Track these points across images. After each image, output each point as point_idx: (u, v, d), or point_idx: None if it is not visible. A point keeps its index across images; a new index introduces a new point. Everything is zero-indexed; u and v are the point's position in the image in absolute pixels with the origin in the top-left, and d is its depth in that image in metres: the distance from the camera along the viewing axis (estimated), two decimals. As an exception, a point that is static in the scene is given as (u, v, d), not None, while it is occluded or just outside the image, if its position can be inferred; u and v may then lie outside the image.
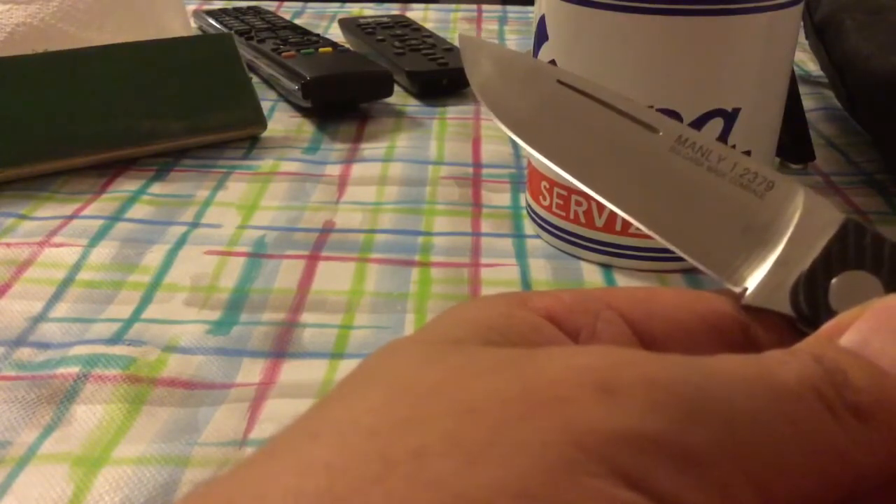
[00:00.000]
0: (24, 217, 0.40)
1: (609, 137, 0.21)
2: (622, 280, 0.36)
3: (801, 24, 0.43)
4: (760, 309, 0.19)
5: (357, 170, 0.46)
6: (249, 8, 0.69)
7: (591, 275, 0.37)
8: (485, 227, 0.40)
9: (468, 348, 0.16)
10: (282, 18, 0.65)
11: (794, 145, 0.46)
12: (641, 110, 0.21)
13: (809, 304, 0.18)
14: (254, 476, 0.13)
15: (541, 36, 0.36)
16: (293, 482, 0.12)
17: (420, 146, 0.49)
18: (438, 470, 0.12)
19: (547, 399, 0.13)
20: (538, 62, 0.23)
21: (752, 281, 0.19)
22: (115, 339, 0.31)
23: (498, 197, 0.43)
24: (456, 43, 0.63)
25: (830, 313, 0.18)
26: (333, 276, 0.36)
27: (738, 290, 0.19)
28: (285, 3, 0.81)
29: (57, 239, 0.38)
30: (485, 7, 0.80)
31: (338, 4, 0.81)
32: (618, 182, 0.21)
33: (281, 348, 0.31)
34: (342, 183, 0.45)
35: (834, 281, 0.18)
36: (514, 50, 0.23)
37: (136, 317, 0.33)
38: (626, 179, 0.21)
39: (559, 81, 0.22)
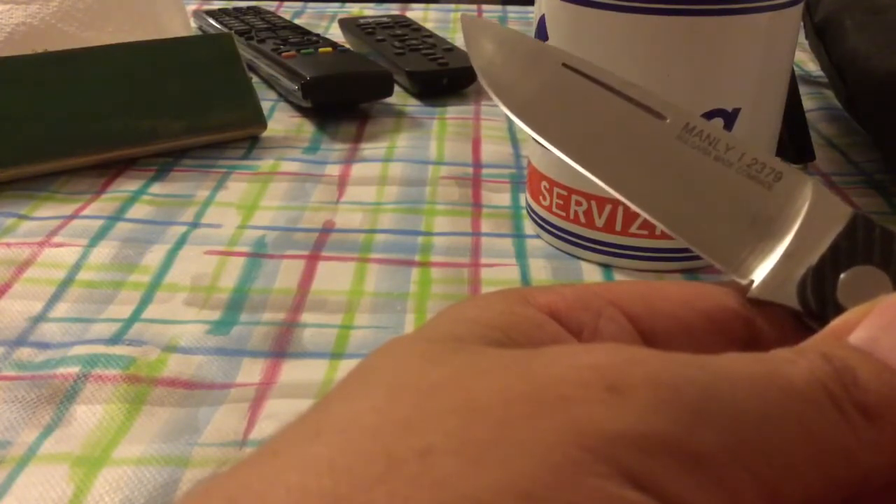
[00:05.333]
0: (24, 217, 0.40)
1: (614, 123, 0.21)
2: (622, 280, 0.36)
3: (801, 24, 0.43)
4: (766, 302, 0.19)
5: (357, 170, 0.46)
6: (249, 8, 0.69)
7: (591, 275, 0.37)
8: (485, 227, 0.40)
9: (471, 347, 0.15)
10: (282, 18, 0.65)
11: (794, 145, 0.46)
12: (648, 96, 0.21)
13: (817, 298, 0.18)
14: (256, 474, 0.13)
15: (541, 36, 0.36)
16: (296, 481, 0.12)
17: (420, 146, 0.49)
18: (443, 470, 0.12)
19: (552, 398, 0.13)
20: (543, 44, 0.22)
21: (759, 273, 0.19)
22: (115, 339, 0.31)
23: (498, 197, 0.43)
24: (456, 43, 0.63)
25: (838, 308, 0.18)
26: (333, 276, 0.36)
27: (744, 282, 0.19)
28: (285, 3, 0.81)
29: (57, 239, 0.38)
30: (485, 7, 0.80)
31: (338, 4, 0.81)
32: (622, 169, 0.20)
33: (281, 348, 0.31)
34: (342, 183, 0.45)
35: (842, 276, 0.18)
36: (519, 31, 0.23)
37: (136, 317, 0.33)
38: (632, 167, 0.20)
39: (564, 65, 0.21)
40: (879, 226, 0.19)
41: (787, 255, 0.19)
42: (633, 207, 0.20)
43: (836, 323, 0.17)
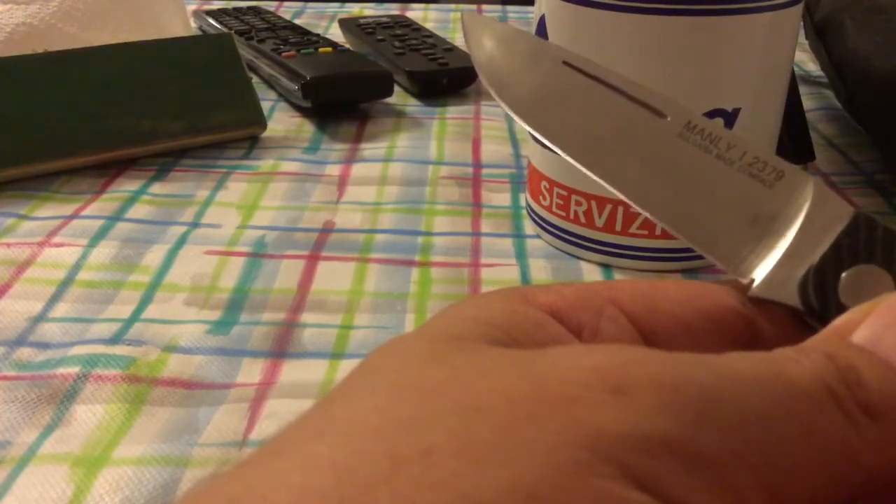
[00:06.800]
0: (24, 217, 0.40)
1: (615, 121, 0.21)
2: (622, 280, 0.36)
3: (801, 24, 0.43)
4: (767, 301, 0.19)
5: (357, 170, 0.46)
6: (249, 8, 0.69)
7: (591, 275, 0.37)
8: (485, 227, 0.40)
9: (473, 346, 0.15)
10: (282, 18, 0.65)
11: (794, 145, 0.46)
12: (649, 94, 0.21)
13: (819, 297, 0.18)
14: (258, 474, 0.13)
15: (541, 36, 0.36)
16: (299, 481, 0.12)
17: (420, 146, 0.49)
18: (446, 470, 0.12)
19: (555, 399, 0.13)
20: (543, 42, 0.22)
21: (760, 272, 0.19)
22: (115, 339, 0.31)
23: (498, 197, 0.43)
24: (456, 43, 0.63)
25: (840, 307, 0.18)
26: (333, 276, 0.36)
27: (745, 281, 0.19)
28: (285, 3, 0.81)
29: (57, 239, 0.38)
30: (485, 7, 0.80)
31: (338, 4, 0.81)
32: (623, 167, 0.20)
33: (281, 348, 0.31)
34: (342, 183, 0.45)
35: (844, 275, 0.18)
36: (519, 29, 0.23)
37: (136, 317, 0.33)
38: (633, 165, 0.20)
39: (565, 62, 0.21)
40: (882, 225, 0.19)
41: (788, 254, 0.19)
42: (634, 206, 0.20)
43: (838, 322, 0.17)
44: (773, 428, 0.14)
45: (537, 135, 0.21)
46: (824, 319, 0.18)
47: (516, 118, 0.21)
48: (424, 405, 0.13)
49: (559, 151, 0.21)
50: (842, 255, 0.18)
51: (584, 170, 0.20)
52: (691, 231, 0.20)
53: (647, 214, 0.20)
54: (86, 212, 0.41)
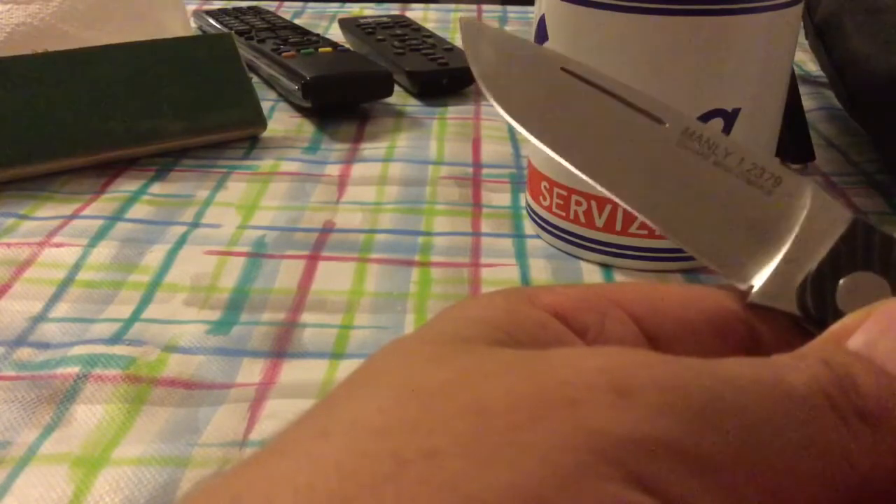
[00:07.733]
0: (24, 217, 0.40)
1: (614, 128, 0.21)
2: (622, 280, 0.36)
3: (801, 24, 0.43)
4: (765, 307, 0.19)
5: (357, 170, 0.46)
6: (249, 8, 0.69)
7: (591, 275, 0.37)
8: (485, 227, 0.40)
9: (477, 348, 0.15)
10: (282, 18, 0.65)
11: (794, 145, 0.46)
12: (648, 101, 0.21)
13: (816, 304, 0.18)
14: (262, 474, 0.13)
15: (541, 36, 0.36)
16: (303, 481, 0.12)
17: (420, 146, 0.49)
18: (450, 471, 0.12)
19: (559, 401, 0.13)
20: (542, 49, 0.22)
21: (759, 279, 0.19)
22: (115, 339, 0.31)
23: (498, 197, 0.43)
24: (456, 43, 0.63)
25: (837, 314, 0.18)
26: (333, 276, 0.36)
27: (743, 287, 0.19)
28: (285, 3, 0.81)
29: (57, 239, 0.38)
30: (485, 7, 0.80)
31: (338, 4, 0.81)
32: (622, 174, 0.20)
33: (281, 348, 0.31)
34: (342, 183, 0.45)
35: (842, 282, 0.18)
36: (517, 36, 0.23)
37: (136, 317, 0.33)
38: (631, 172, 0.20)
39: (563, 69, 0.21)
40: (879, 231, 0.19)
41: (786, 260, 0.19)
42: (633, 211, 0.20)
43: (835, 327, 0.17)
44: (772, 432, 0.14)
45: (535, 140, 0.21)
46: (822, 325, 0.18)
47: (515, 125, 0.21)
48: (429, 407, 0.13)
49: (558, 158, 0.21)
50: (839, 262, 0.18)
51: (583, 176, 0.20)
52: (690, 237, 0.20)
53: (645, 220, 0.20)
54: (86, 212, 0.41)
